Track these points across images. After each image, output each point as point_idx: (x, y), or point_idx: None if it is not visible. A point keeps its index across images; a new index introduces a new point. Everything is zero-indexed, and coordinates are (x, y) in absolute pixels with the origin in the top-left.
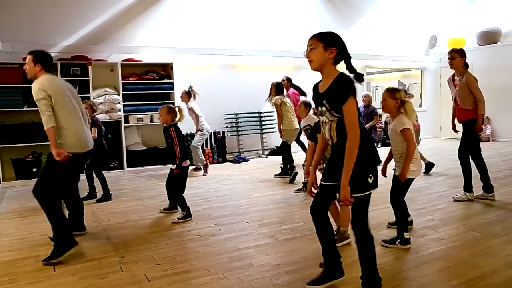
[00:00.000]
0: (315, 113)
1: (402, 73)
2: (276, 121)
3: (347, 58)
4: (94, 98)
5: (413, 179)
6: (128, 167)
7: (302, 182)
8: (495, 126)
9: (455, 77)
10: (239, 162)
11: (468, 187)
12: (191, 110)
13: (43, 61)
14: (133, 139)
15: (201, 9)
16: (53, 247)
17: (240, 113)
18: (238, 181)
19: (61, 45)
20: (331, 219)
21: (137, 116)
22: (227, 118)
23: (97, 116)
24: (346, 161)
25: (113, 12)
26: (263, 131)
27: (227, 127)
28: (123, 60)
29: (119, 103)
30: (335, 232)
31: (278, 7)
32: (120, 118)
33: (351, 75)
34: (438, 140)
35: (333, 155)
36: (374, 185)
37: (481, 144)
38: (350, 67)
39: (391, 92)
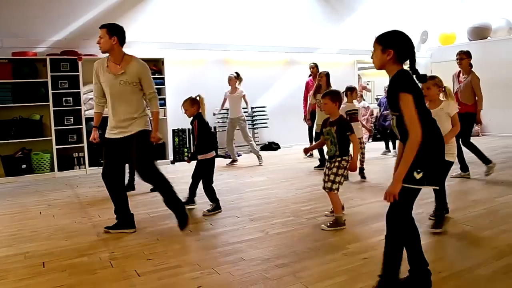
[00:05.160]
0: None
1: None
2: (267, 117)
3: (411, 58)
4: (84, 94)
5: (453, 162)
6: None
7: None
8: (485, 120)
9: (461, 75)
10: (230, 158)
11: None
12: (244, 97)
13: (119, 34)
14: None
15: (193, 3)
16: (178, 219)
17: None
18: (229, 176)
19: (51, 40)
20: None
21: None
22: (219, 114)
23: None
24: (404, 157)
25: (104, 7)
26: (255, 127)
27: (218, 122)
28: None
29: None
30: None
31: (270, 2)
32: None
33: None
34: None
35: (401, 152)
36: (421, 182)
37: (471, 139)
38: (412, 68)
39: (434, 79)
